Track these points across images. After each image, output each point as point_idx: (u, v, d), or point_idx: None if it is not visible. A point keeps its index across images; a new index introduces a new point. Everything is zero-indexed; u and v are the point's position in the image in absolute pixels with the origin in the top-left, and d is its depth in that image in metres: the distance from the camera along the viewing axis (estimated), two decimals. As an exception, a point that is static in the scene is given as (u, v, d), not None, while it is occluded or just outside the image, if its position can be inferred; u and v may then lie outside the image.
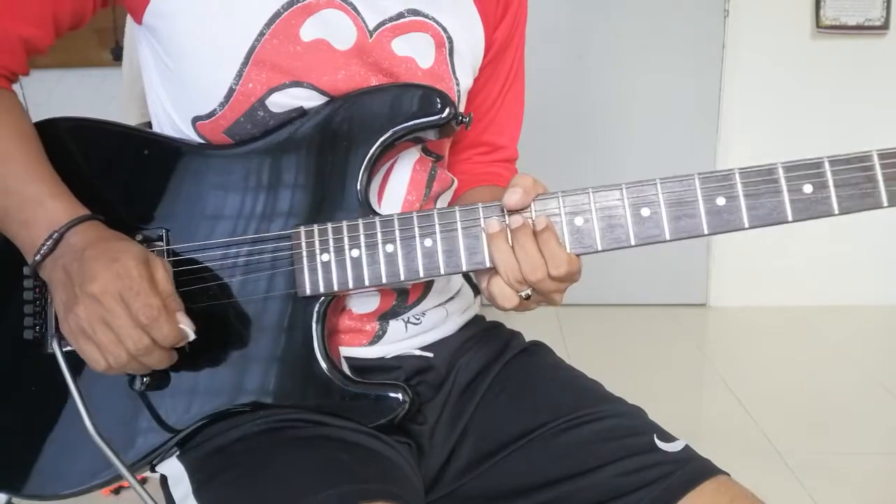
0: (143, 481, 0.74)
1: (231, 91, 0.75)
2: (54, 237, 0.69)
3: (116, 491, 1.80)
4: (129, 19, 0.82)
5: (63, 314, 0.68)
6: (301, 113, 0.76)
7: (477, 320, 0.92)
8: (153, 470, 0.79)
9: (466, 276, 0.92)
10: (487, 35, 0.86)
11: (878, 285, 3.14)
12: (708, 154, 3.12)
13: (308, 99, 0.76)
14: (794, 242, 3.08)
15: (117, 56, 2.77)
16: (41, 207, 0.70)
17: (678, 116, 3.10)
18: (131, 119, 0.88)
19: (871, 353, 2.77)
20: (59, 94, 2.79)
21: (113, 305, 0.65)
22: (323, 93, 0.76)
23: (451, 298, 0.89)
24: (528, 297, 0.69)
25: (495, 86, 0.92)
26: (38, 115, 0.81)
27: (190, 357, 0.73)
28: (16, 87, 0.80)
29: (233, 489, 0.70)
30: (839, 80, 3.03)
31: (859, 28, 2.96)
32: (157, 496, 0.78)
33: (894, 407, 2.32)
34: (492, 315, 0.95)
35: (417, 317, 0.84)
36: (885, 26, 2.97)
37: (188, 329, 0.68)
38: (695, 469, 0.75)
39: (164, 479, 0.79)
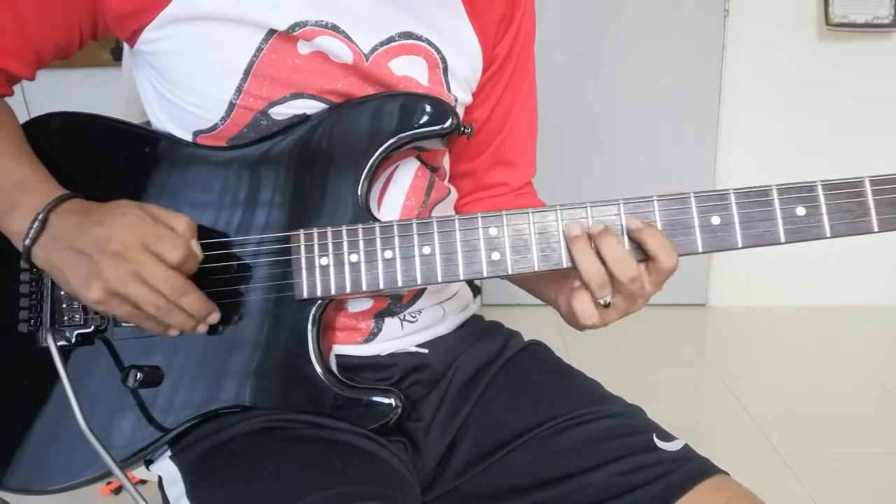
0: (142, 483, 0.74)
1: (232, 105, 0.75)
2: (40, 217, 0.69)
3: (116, 491, 1.80)
4: None
5: (86, 288, 0.66)
6: (304, 118, 0.76)
7: (475, 319, 0.92)
8: (149, 470, 0.79)
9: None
10: (486, 53, 0.84)
11: (878, 285, 3.14)
12: (708, 154, 3.12)
13: (311, 109, 0.76)
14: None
15: (117, 56, 2.77)
16: (25, 193, 0.71)
17: (678, 116, 3.10)
18: (133, 118, 0.87)
19: (871, 353, 2.77)
20: (59, 94, 2.76)
21: (140, 256, 0.65)
22: (325, 101, 0.76)
23: (449, 298, 0.89)
24: (607, 305, 0.69)
25: (504, 101, 0.89)
26: (37, 114, 0.81)
27: (185, 355, 0.73)
28: (15, 87, 0.80)
29: (223, 491, 0.70)
30: (841, 81, 3.02)
31: (867, 26, 2.94)
32: (156, 497, 0.78)
33: (894, 407, 2.32)
34: (490, 315, 0.95)
35: (413, 314, 0.84)
36: (893, 24, 2.95)
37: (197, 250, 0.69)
38: (694, 468, 0.75)
39: (160, 479, 0.79)
